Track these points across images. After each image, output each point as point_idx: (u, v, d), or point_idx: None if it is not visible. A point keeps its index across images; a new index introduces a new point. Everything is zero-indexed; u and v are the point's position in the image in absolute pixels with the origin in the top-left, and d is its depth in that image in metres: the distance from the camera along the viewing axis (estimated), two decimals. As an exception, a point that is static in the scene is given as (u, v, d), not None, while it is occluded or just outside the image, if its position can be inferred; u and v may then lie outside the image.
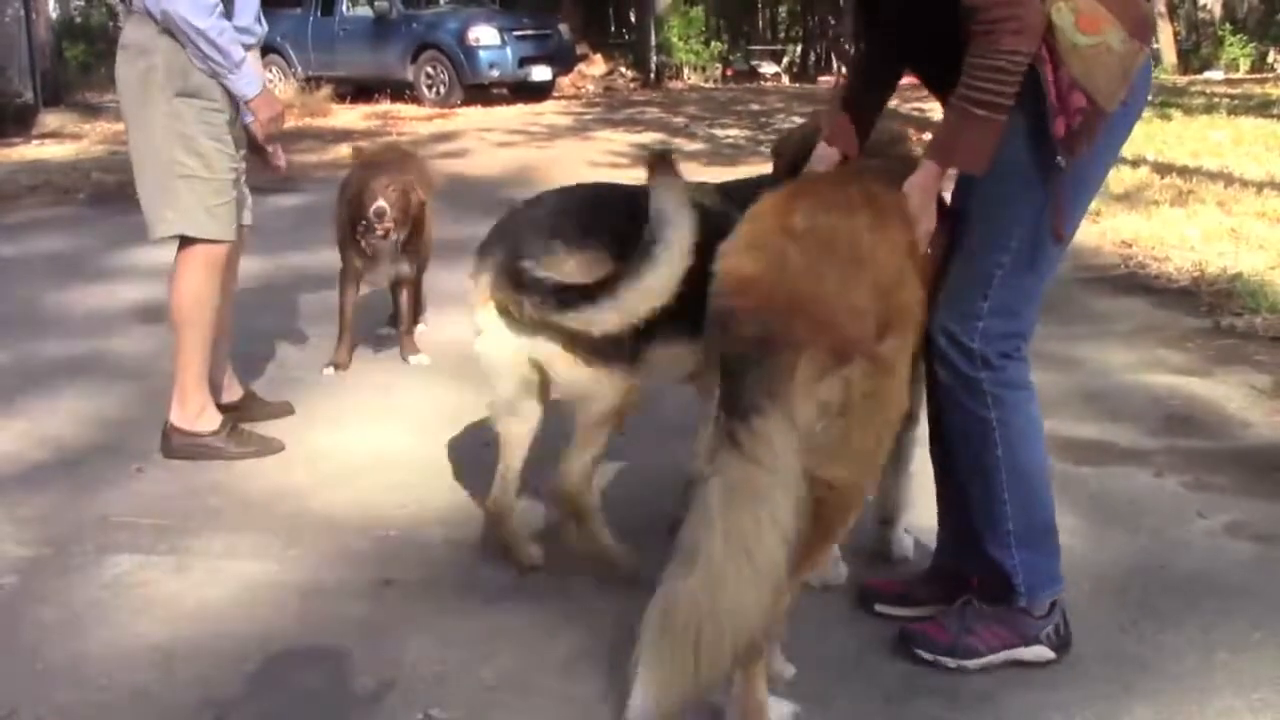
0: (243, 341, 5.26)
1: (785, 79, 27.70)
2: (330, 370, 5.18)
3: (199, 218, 4.06)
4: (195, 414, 4.19)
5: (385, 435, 4.43)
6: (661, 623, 2.21)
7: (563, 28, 19.66)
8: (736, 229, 2.55)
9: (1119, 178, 9.82)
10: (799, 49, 42.12)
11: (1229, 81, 21.23)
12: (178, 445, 4.21)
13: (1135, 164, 10.45)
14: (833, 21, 40.88)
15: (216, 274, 4.17)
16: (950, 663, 2.81)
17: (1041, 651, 2.82)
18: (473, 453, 4.22)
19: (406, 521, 3.67)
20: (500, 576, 3.33)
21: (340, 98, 17.78)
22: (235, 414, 4.40)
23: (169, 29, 3.91)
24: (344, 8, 18.90)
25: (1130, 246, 7.42)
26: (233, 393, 4.55)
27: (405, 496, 3.85)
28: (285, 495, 3.89)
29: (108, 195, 10.24)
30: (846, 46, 39.88)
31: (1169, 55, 30.68)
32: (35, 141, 14.80)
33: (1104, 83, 2.59)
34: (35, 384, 5.02)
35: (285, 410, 4.64)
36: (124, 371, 5.22)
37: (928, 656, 2.83)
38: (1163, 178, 9.71)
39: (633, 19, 32.77)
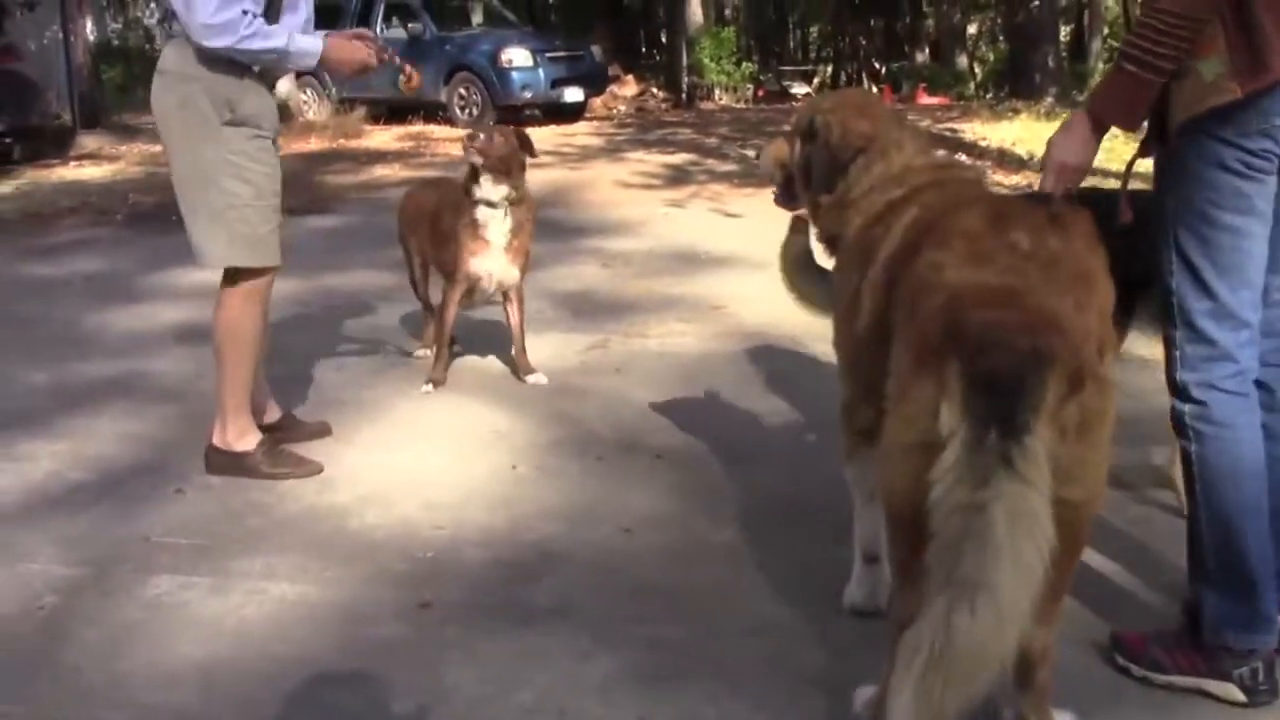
0: (280, 363, 5.30)
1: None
2: (429, 388, 5.20)
3: (252, 247, 4.08)
4: (236, 436, 4.23)
5: (422, 457, 4.45)
6: (936, 657, 2.07)
7: (595, 50, 19.74)
8: (942, 244, 2.46)
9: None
10: (829, 69, 42.17)
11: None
12: (217, 463, 4.25)
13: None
14: (863, 42, 40.97)
15: (261, 300, 4.21)
16: (1136, 671, 2.85)
17: (1231, 690, 2.77)
18: (506, 475, 4.26)
19: (444, 543, 3.69)
20: (537, 598, 3.34)
21: (374, 119, 17.90)
22: (275, 435, 4.43)
23: (212, 57, 3.92)
24: (378, 29, 19.01)
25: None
26: (272, 414, 4.58)
27: (442, 518, 3.87)
28: (323, 516, 3.91)
29: (145, 216, 10.36)
30: (877, 66, 39.91)
31: (1203, 75, 30.58)
32: (73, 163, 14.96)
33: None
34: (76, 405, 5.08)
35: (323, 431, 4.67)
36: (163, 392, 5.28)
37: (1120, 661, 2.89)
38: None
39: (664, 40, 32.95)
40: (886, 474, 2.43)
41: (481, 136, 5.14)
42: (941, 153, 3.38)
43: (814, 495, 3.96)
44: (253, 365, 4.26)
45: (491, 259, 5.18)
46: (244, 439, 4.24)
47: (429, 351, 5.53)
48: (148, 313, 6.82)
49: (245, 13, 3.85)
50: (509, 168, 5.15)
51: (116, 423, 4.86)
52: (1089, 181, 2.95)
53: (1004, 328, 2.20)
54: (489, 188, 5.12)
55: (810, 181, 3.17)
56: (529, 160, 5.30)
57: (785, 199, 3.40)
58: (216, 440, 4.26)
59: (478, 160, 5.10)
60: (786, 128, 3.36)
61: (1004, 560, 2.06)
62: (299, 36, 4.05)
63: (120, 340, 6.24)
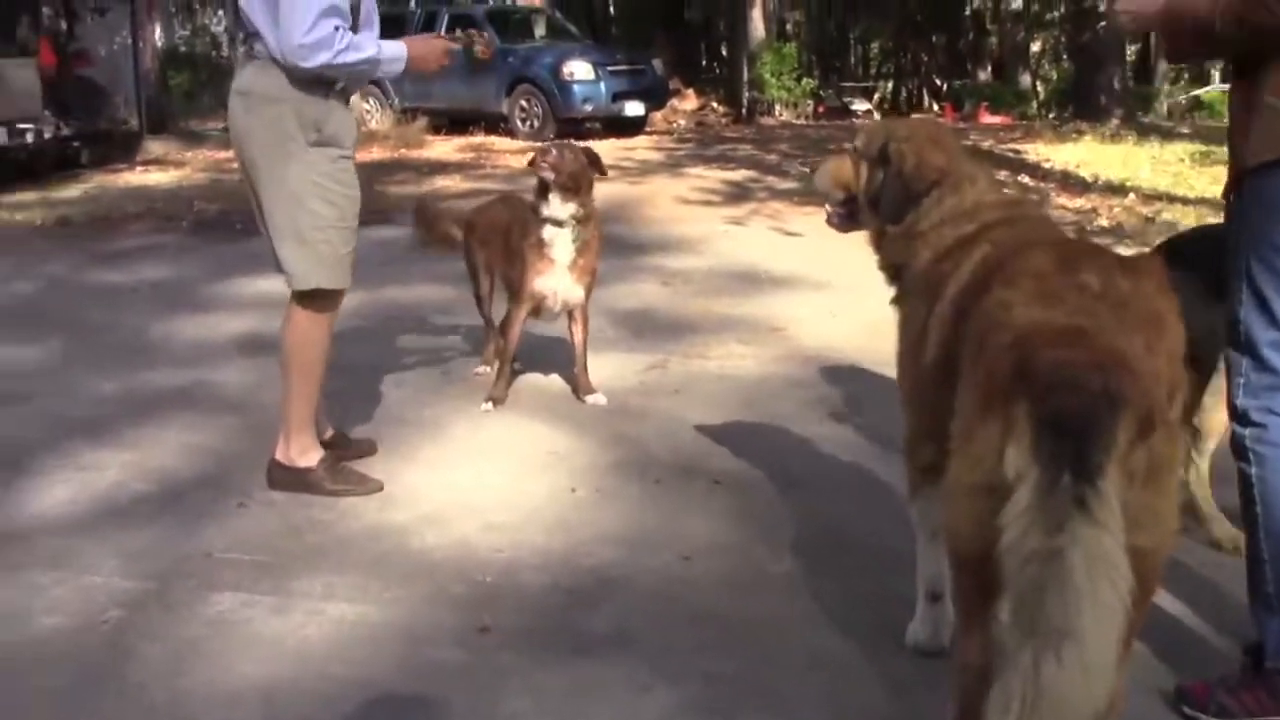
0: (341, 377, 5.33)
1: (876, 115, 27.57)
2: (489, 406, 5.23)
3: (333, 268, 4.12)
4: (300, 452, 4.26)
5: (481, 476, 4.47)
6: (1028, 711, 2.04)
7: (656, 63, 19.79)
8: (1011, 282, 2.43)
9: (1221, 226, 9.67)
10: (890, 85, 41.97)
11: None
12: (280, 479, 4.29)
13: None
14: (925, 58, 40.78)
15: (330, 320, 4.25)
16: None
17: None
18: (565, 497, 4.26)
19: (503, 566, 3.69)
20: (595, 625, 3.33)
21: (435, 130, 18.04)
22: (335, 451, 4.47)
23: (301, 78, 3.94)
24: (441, 41, 19.15)
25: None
26: (323, 431, 4.59)
27: (501, 540, 3.87)
28: (383, 535, 3.93)
29: (210, 223, 10.51)
30: (938, 83, 39.68)
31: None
32: (139, 168, 15.19)
33: None
34: (143, 415, 5.14)
35: (369, 449, 4.67)
36: (227, 404, 5.33)
37: (1188, 712, 2.84)
38: None
39: (724, 54, 32.93)
40: (951, 516, 2.39)
41: (552, 153, 5.16)
42: (1010, 190, 3.35)
43: (872, 525, 3.95)
44: (319, 383, 4.29)
45: (557, 277, 5.19)
46: (307, 455, 4.27)
47: (490, 369, 5.56)
48: (213, 322, 6.90)
49: (337, 28, 3.87)
50: (578, 185, 5.17)
51: (181, 434, 4.92)
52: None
53: (1074, 368, 2.16)
54: (557, 206, 5.15)
55: (877, 208, 3.15)
56: (597, 178, 5.32)
57: (843, 222, 3.36)
58: (280, 456, 4.29)
59: (548, 176, 5.11)
60: (847, 145, 3.31)
61: (1086, 606, 2.02)
62: (385, 44, 4.10)
63: (186, 349, 6.31)
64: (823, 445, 4.77)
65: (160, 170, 15.03)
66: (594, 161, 5.28)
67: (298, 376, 4.23)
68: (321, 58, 3.87)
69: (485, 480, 4.42)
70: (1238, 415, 2.86)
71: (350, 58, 3.92)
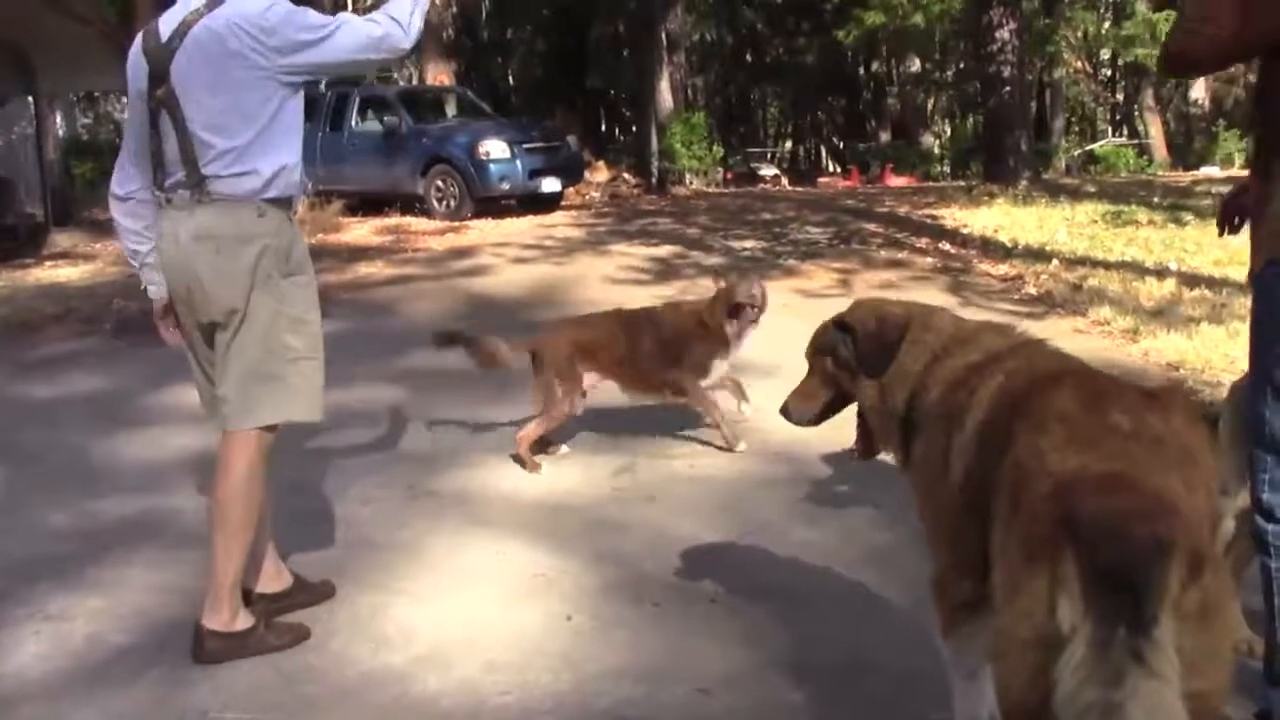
0: (298, 496, 5.19)
1: (785, 180, 27.94)
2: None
3: (313, 400, 3.96)
4: (233, 613, 3.93)
5: (470, 607, 4.32)
6: None
7: (571, 139, 19.87)
8: (1040, 428, 2.40)
9: (1148, 290, 9.87)
10: (788, 145, 42.66)
11: (1231, 180, 21.38)
12: (218, 649, 3.88)
13: (1160, 274, 10.52)
14: (822, 116, 41.47)
15: (269, 458, 3.99)
16: None
17: None
18: (563, 627, 4.13)
19: (516, 713, 3.55)
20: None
21: (350, 211, 17.88)
22: (276, 602, 4.20)
23: (272, 205, 3.81)
24: (353, 123, 19.06)
25: (1178, 369, 7.40)
26: (282, 580, 4.30)
27: (508, 681, 3.73)
28: (384, 682, 3.77)
29: (134, 325, 10.16)
30: (838, 143, 40.35)
31: (1160, 150, 31.18)
32: (48, 263, 14.84)
33: None
34: (103, 551, 4.91)
35: (329, 592, 4.38)
36: (189, 534, 5.09)
37: None
38: (1191, 289, 9.75)
39: (629, 122, 33.21)
40: (1003, 670, 2.35)
41: (757, 292, 6.11)
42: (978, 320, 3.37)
43: (880, 644, 3.90)
44: (255, 531, 3.99)
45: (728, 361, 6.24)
46: (241, 615, 3.96)
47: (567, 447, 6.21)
48: (155, 438, 6.67)
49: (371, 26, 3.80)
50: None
51: (148, 573, 4.70)
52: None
53: (1121, 516, 2.14)
54: (745, 339, 6.16)
55: (863, 370, 3.14)
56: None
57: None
58: (213, 623, 3.89)
59: (755, 319, 6.12)
60: (807, 353, 3.34)
61: None
62: (398, 2, 3.83)
63: (134, 472, 6.08)
64: (810, 555, 4.70)
65: (70, 264, 14.69)
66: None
67: (239, 530, 3.89)
68: (415, 29, 3.80)
69: (476, 612, 4.28)
70: (1263, 510, 2.94)
71: (414, 10, 3.79)
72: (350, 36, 3.79)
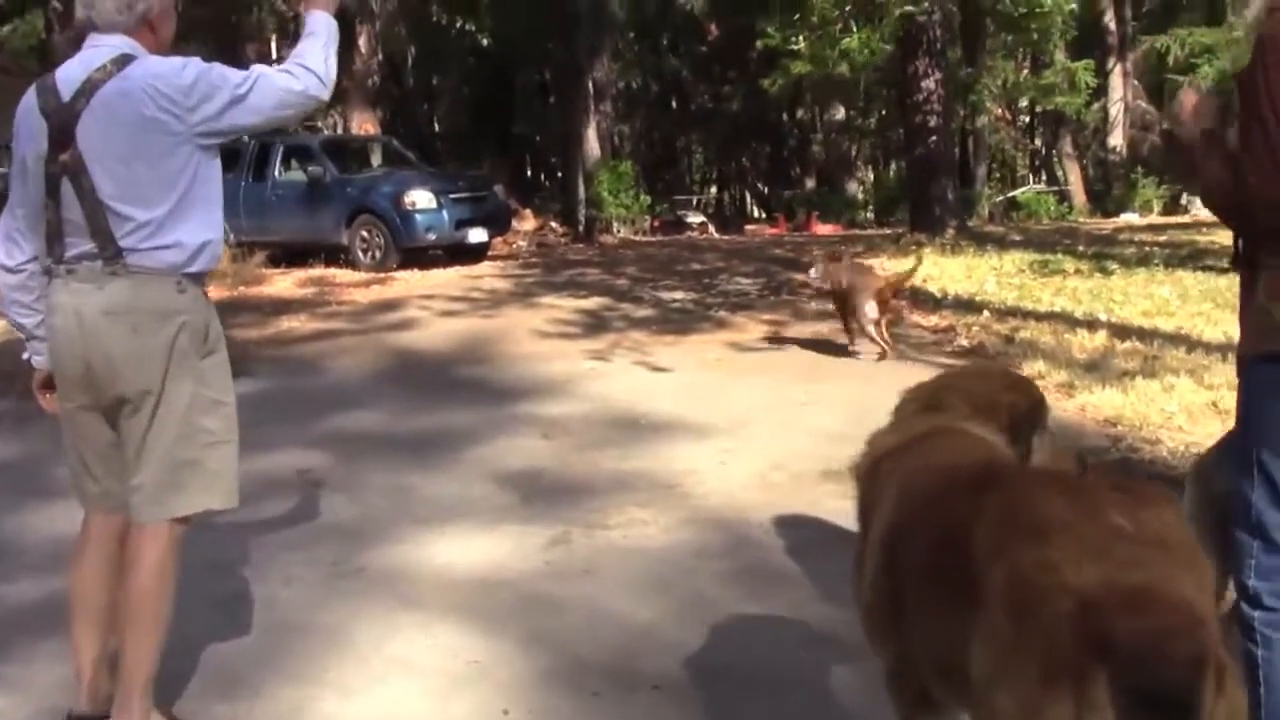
0: (217, 576, 4.95)
1: (711, 228, 28.00)
2: None
3: (229, 486, 3.72)
4: (142, 718, 3.60)
5: (403, 700, 4.07)
6: None
7: (498, 189, 19.72)
8: (1039, 537, 2.27)
9: (1079, 342, 9.88)
10: (714, 190, 42.89)
11: (1151, 227, 21.79)
12: None
13: (1091, 325, 10.55)
14: (747, 163, 41.71)
15: (181, 551, 3.71)
16: None
17: None
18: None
19: (452, 823, 3.35)
20: None
21: (273, 262, 17.56)
22: None
23: (192, 280, 3.58)
24: (276, 173, 18.76)
25: (1115, 426, 7.36)
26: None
27: (441, 785, 3.53)
28: (308, 789, 3.55)
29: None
30: (763, 189, 40.60)
31: (1079, 196, 31.68)
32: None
33: None
34: (20, 636, 4.59)
35: None
36: (98, 621, 4.85)
37: None
38: (1123, 341, 9.78)
39: (555, 170, 33.16)
40: None
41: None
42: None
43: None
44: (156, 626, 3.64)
45: None
46: (155, 714, 3.67)
47: None
48: (68, 512, 6.31)
49: (289, 71, 3.63)
50: None
51: (55, 666, 4.40)
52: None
53: (1159, 635, 2.05)
54: None
55: None
56: None
57: None
58: None
59: None
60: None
61: None
62: (309, 22, 3.72)
63: (44, 551, 5.72)
64: (755, 632, 4.54)
65: (-20, 321, 14.21)
66: None
67: (154, 626, 3.60)
68: (330, 76, 3.65)
69: (409, 706, 4.04)
70: (1249, 597, 2.90)
71: (327, 56, 3.65)
72: (269, 92, 3.59)
